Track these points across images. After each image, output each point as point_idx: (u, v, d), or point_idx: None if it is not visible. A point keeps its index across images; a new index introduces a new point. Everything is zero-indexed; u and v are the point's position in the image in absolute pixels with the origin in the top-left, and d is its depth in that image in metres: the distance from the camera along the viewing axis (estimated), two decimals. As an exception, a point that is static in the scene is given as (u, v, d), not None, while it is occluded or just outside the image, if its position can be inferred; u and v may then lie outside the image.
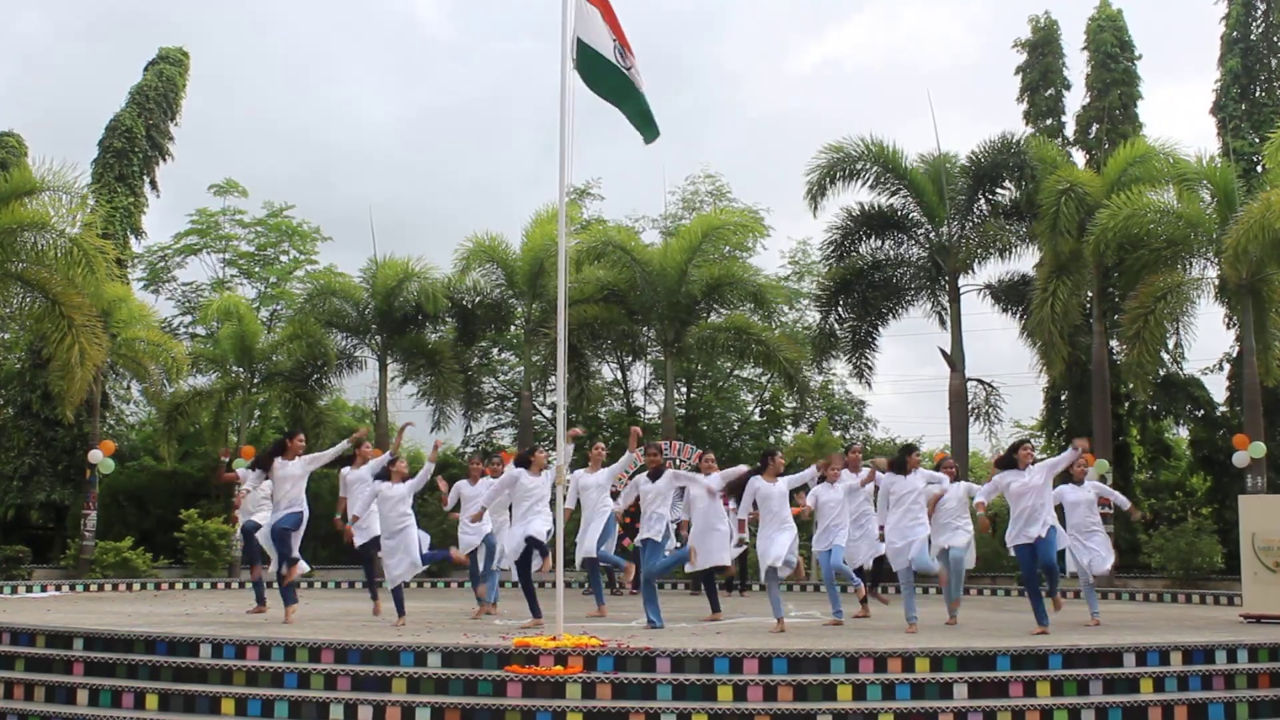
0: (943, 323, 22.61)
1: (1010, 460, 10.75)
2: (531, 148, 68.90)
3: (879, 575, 13.15)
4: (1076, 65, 24.30)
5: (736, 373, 27.82)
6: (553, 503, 10.58)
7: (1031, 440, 11.76)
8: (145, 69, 24.94)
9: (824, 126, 74.70)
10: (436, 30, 76.24)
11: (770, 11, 77.96)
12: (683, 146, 71.40)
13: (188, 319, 28.13)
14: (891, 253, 22.93)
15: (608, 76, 9.72)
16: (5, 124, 24.24)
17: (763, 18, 77.59)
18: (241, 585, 19.98)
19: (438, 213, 60.87)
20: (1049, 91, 24.30)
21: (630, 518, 14.41)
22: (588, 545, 12.04)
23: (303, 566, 11.33)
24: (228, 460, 15.22)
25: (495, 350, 28.11)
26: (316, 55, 71.41)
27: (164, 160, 24.93)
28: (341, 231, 38.21)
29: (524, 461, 10.89)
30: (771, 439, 27.16)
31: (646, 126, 10.03)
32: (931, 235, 22.27)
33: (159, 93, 24.58)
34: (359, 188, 60.53)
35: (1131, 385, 19.82)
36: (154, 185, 24.76)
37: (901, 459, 11.32)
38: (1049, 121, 24.09)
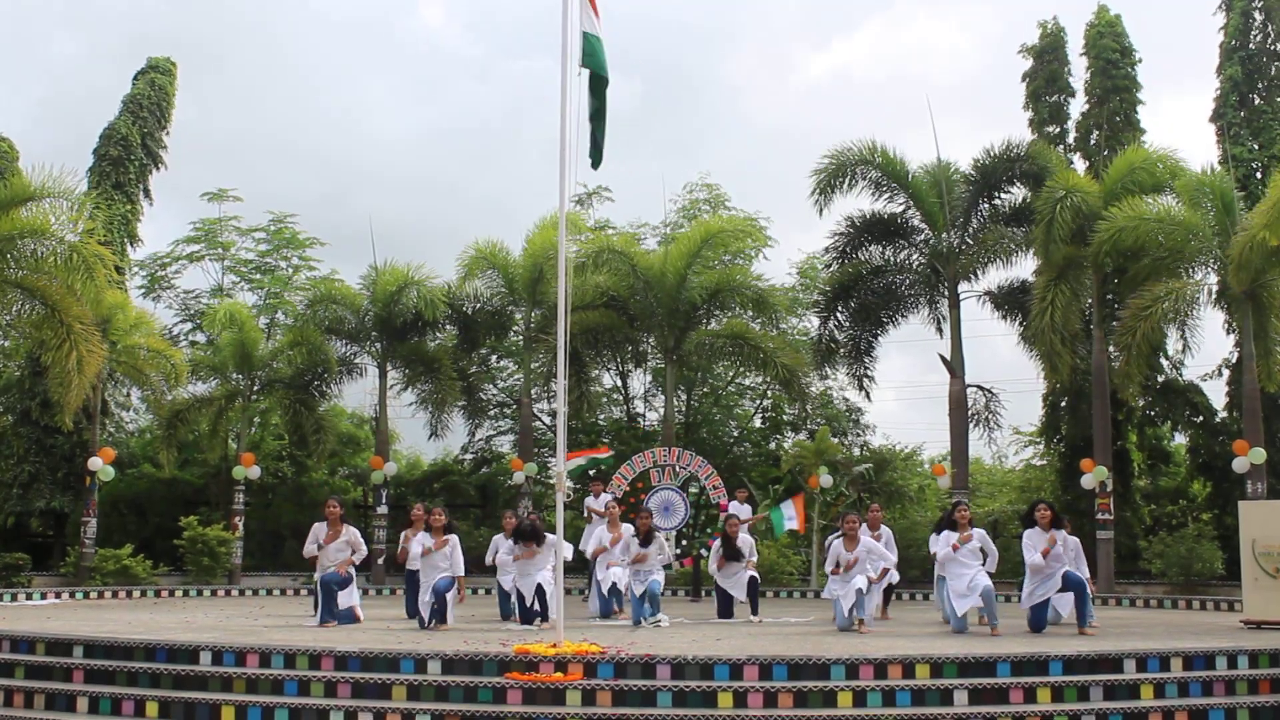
0: (940, 330, 22.63)
1: (1030, 519, 11.55)
2: (544, 164, 68.82)
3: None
4: (1078, 72, 24.41)
5: (737, 380, 27.78)
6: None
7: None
8: (135, 78, 24.94)
9: (831, 138, 74.54)
10: (453, 48, 76.35)
11: (776, 24, 78.09)
12: (687, 158, 71.50)
13: (188, 326, 28.12)
14: (891, 259, 22.91)
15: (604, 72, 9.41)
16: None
17: (769, 30, 77.72)
18: (241, 593, 19.99)
19: (451, 229, 61.00)
20: (1054, 98, 24.37)
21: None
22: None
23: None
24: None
25: (495, 358, 28.10)
26: (334, 72, 71.50)
27: (159, 168, 24.95)
28: (355, 247, 38.52)
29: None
30: (772, 445, 27.13)
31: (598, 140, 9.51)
32: (932, 241, 22.27)
33: (152, 101, 24.62)
34: (374, 203, 60.66)
35: (1129, 391, 19.82)
36: (147, 193, 24.77)
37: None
38: (1054, 128, 24.15)
